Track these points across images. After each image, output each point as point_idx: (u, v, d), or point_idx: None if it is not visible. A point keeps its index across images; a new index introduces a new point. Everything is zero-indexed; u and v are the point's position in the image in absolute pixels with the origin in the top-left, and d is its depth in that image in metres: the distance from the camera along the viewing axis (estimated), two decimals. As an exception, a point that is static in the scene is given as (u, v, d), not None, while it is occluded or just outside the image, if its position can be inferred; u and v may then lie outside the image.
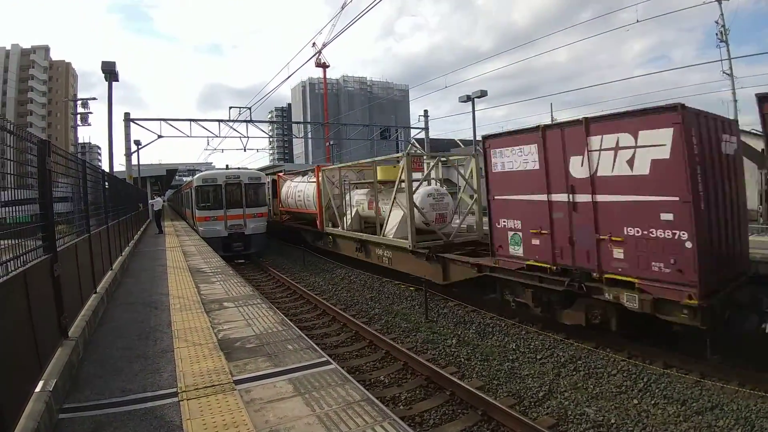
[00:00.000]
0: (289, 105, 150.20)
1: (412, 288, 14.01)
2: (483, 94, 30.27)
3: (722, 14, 23.17)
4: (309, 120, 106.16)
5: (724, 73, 23.85)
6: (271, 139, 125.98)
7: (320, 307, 12.73)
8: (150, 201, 29.78)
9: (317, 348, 5.99)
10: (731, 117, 22.02)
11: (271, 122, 73.59)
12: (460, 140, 50.74)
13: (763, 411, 6.31)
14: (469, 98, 30.60)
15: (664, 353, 8.09)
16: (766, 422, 6.10)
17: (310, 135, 75.51)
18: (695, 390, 7.03)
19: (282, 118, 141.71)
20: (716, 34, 24.55)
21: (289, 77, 26.99)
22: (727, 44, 23.59)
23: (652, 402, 6.88)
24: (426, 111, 34.80)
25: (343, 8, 17.07)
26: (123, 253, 13.08)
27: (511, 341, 9.45)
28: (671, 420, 6.40)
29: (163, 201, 27.21)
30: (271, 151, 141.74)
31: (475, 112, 30.81)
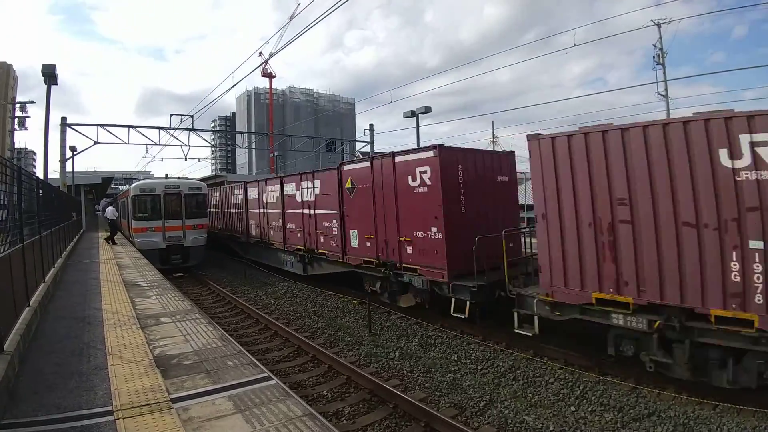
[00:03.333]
0: (234, 114, 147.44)
1: (355, 301, 14.01)
2: (427, 110, 30.76)
3: (660, 37, 24.38)
4: (254, 130, 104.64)
5: (659, 94, 25.06)
6: (213, 149, 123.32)
7: (262, 322, 12.49)
8: (103, 212, 28.37)
9: (258, 363, 5.89)
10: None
11: (214, 131, 72.04)
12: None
13: (701, 417, 6.60)
14: (413, 114, 31.01)
15: (599, 361, 8.42)
16: (704, 428, 6.38)
17: (254, 145, 74.33)
18: (632, 397, 7.33)
19: (226, 128, 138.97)
20: (653, 57, 25.80)
21: (233, 86, 26.49)
22: (664, 67, 24.78)
23: (590, 409, 7.12)
24: (371, 125, 35.16)
25: (291, 18, 17.04)
26: (56, 265, 12.39)
27: (452, 353, 9.60)
28: (609, 427, 6.64)
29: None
30: (213, 161, 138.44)
31: (420, 128, 31.37)
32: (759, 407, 6.66)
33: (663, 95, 24.39)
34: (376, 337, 10.96)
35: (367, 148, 34.91)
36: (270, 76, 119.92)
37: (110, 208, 25.07)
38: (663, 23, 23.78)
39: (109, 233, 24.36)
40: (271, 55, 18.60)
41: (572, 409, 7.18)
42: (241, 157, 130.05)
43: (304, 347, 10.16)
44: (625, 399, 7.29)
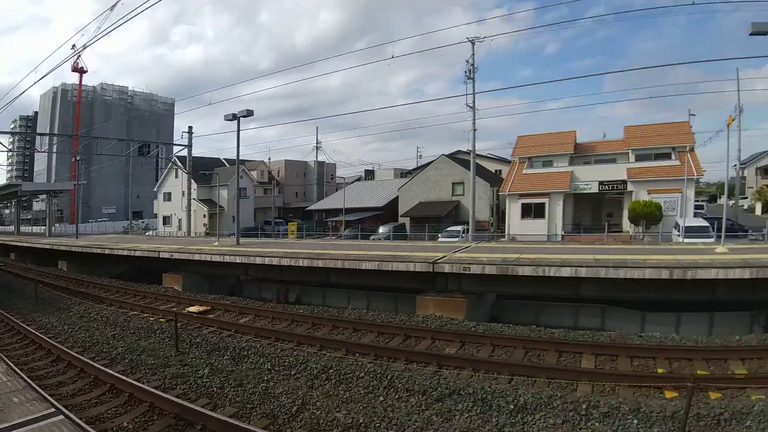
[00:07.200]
0: (36, 113, 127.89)
1: (162, 320, 13.20)
2: (249, 113, 29.58)
3: (473, 54, 26.34)
4: (57, 131, 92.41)
5: (467, 106, 27.24)
6: (10, 154, 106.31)
7: (54, 352, 11.05)
8: None
9: (48, 398, 5.30)
10: (470, 145, 25.61)
11: (9, 133, 61.93)
12: (225, 159, 50.12)
13: (498, 391, 7.37)
14: (234, 117, 29.69)
15: (406, 350, 8.96)
16: (502, 401, 7.12)
17: (55, 149, 65.59)
18: (434, 380, 7.92)
19: (27, 129, 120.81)
20: (464, 72, 27.94)
21: (37, 82, 22.85)
22: (473, 81, 26.86)
23: (397, 396, 7.59)
24: (190, 127, 32.99)
25: (113, 8, 15.10)
26: None
27: (266, 362, 9.49)
28: (414, 410, 7.13)
29: None
30: (9, 168, 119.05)
31: (246, 131, 30.39)
32: (549, 378, 7.71)
33: (470, 107, 26.70)
34: (184, 356, 10.38)
35: (185, 152, 32.82)
36: (81, 71, 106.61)
37: None
38: (477, 41, 25.90)
39: None
40: (84, 47, 16.43)
41: (381, 399, 7.58)
42: (41, 162, 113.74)
43: (101, 377, 9.18)
44: (428, 383, 7.86)
